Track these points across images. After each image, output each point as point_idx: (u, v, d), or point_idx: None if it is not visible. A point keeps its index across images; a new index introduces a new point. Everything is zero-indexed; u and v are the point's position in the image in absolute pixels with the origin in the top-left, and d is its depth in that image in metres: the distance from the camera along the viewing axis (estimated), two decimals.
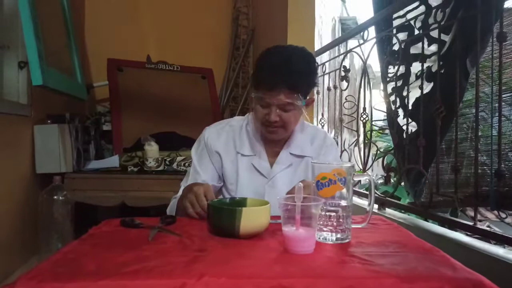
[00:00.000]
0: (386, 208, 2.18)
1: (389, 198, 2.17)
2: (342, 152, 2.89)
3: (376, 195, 2.16)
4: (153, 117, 2.69)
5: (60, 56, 2.10)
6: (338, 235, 0.84)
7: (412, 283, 0.62)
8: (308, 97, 1.19)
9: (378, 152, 2.66)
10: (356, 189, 2.63)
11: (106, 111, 2.89)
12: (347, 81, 2.76)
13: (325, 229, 0.84)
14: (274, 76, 1.11)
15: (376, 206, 2.16)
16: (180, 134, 2.59)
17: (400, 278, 0.63)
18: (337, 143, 2.95)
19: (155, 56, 2.97)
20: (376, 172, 3.97)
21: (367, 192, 2.19)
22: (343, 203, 0.85)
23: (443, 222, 1.73)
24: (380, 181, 3.40)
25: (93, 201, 2.11)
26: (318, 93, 3.34)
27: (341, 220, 0.84)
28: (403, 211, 2.12)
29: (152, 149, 2.15)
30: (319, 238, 0.84)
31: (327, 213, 0.84)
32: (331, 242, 0.83)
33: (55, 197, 1.93)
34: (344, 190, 0.85)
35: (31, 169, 2.15)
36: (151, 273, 0.65)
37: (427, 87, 1.90)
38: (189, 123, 2.58)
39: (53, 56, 1.80)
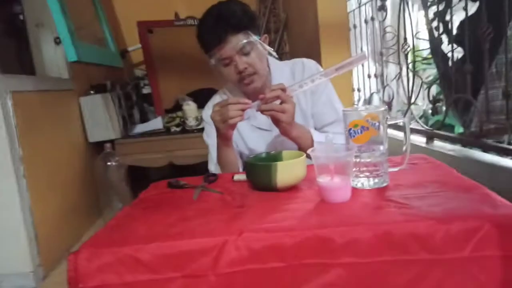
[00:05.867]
0: (435, 141, 2.11)
1: (436, 131, 2.09)
2: (384, 87, 2.78)
3: (423, 128, 2.09)
4: (189, 74, 2.71)
5: (90, 28, 2.15)
6: (376, 180, 0.84)
7: (449, 224, 0.62)
8: (260, 36, 1.19)
9: (424, 83, 2.53)
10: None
11: (143, 74, 2.95)
12: (385, 10, 2.58)
13: (361, 175, 0.84)
14: (214, 30, 1.12)
15: (424, 140, 2.10)
16: (217, 89, 2.61)
17: (437, 220, 0.63)
18: (377, 78, 2.83)
19: (183, 12, 2.93)
20: (423, 103, 3.80)
21: (418, 127, 2.12)
22: (379, 147, 0.84)
23: (496, 151, 1.66)
24: (430, 111, 3.26)
25: (143, 163, 2.24)
26: (355, 27, 3.17)
27: (377, 165, 0.83)
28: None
29: (190, 108, 2.20)
30: (356, 184, 0.84)
31: (363, 160, 0.83)
32: (369, 188, 0.83)
33: (109, 163, 2.06)
34: (379, 135, 0.83)
35: (83, 139, 2.30)
36: (195, 232, 0.69)
37: (472, 7, 1.74)
38: None
39: (83, 29, 1.84)
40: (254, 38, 1.15)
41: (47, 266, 1.84)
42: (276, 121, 1.09)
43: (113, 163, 2.06)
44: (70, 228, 2.06)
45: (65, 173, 2.08)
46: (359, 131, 0.82)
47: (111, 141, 2.23)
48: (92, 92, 2.30)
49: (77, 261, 0.66)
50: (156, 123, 2.49)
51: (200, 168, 2.26)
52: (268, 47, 1.20)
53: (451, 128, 2.63)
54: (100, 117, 2.25)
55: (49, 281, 1.81)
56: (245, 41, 1.13)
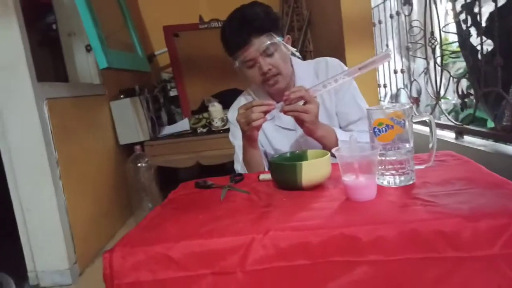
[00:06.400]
0: (465, 136, 2.05)
1: (466, 126, 2.04)
2: (412, 82, 2.73)
3: (452, 123, 2.05)
4: (214, 76, 2.76)
5: (119, 36, 2.22)
6: (402, 178, 0.83)
7: (477, 222, 0.61)
8: (283, 38, 1.19)
9: (453, 77, 2.47)
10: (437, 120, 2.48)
11: (170, 77, 3.02)
12: (411, 4, 2.54)
13: (387, 173, 0.84)
14: (238, 33, 1.14)
15: (453, 135, 2.05)
16: (241, 90, 2.65)
17: (465, 218, 0.62)
18: (404, 73, 2.78)
19: (207, 15, 2.98)
20: (455, 96, 3.70)
21: (447, 122, 2.08)
22: (404, 145, 0.83)
23: None
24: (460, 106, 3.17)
25: (171, 164, 2.30)
26: (380, 22, 3.12)
27: (403, 162, 0.83)
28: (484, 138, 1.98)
29: (216, 109, 2.24)
30: (382, 182, 0.84)
31: (388, 158, 0.83)
32: (395, 186, 0.83)
33: (139, 164, 2.13)
34: (404, 133, 0.83)
35: (114, 142, 2.38)
36: (224, 232, 0.71)
37: None
38: None
39: (113, 37, 1.91)
40: (277, 39, 1.16)
41: (83, 263, 1.92)
42: (300, 122, 1.10)
43: (143, 165, 2.13)
44: (103, 227, 2.14)
45: (97, 175, 2.17)
46: (383, 129, 0.82)
47: (141, 143, 2.30)
48: (122, 96, 2.38)
49: (112, 259, 0.69)
50: (183, 125, 2.54)
51: (226, 168, 2.30)
52: (291, 48, 1.21)
53: (483, 121, 2.55)
54: (129, 120, 2.32)
55: (84, 277, 1.89)
56: (268, 42, 1.14)
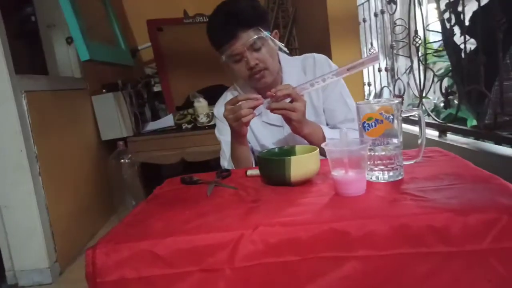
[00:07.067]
0: (448, 134, 2.08)
1: (450, 124, 2.07)
2: (395, 81, 2.76)
3: (436, 121, 2.07)
4: (199, 72, 2.73)
5: (101, 28, 2.17)
6: (391, 173, 0.83)
7: (467, 216, 0.61)
8: (270, 32, 1.18)
9: (436, 75, 2.50)
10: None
11: (154, 72, 2.97)
12: (395, 3, 2.56)
13: (376, 168, 0.84)
14: (225, 26, 1.12)
15: (436, 133, 2.08)
16: (227, 86, 2.62)
17: (454, 212, 0.62)
18: (388, 72, 2.80)
19: (191, 9, 2.94)
20: (436, 97, 3.76)
21: (430, 121, 2.10)
22: (393, 140, 0.83)
23: (510, 143, 1.63)
24: (442, 104, 3.22)
25: (155, 160, 2.26)
26: (364, 20, 3.14)
27: (391, 158, 0.83)
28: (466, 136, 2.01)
29: (201, 105, 2.21)
30: (371, 178, 0.84)
31: (377, 153, 0.83)
32: (383, 181, 0.83)
33: (122, 160, 2.08)
34: (393, 128, 0.82)
35: (96, 137, 2.33)
36: (211, 227, 0.70)
37: None
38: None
39: (95, 29, 1.86)
40: (265, 34, 1.15)
41: (63, 262, 1.87)
42: (287, 120, 1.09)
43: (126, 161, 2.08)
44: (85, 225, 2.09)
45: (79, 171, 2.11)
46: (373, 124, 0.82)
47: (124, 139, 2.26)
48: (104, 91, 2.33)
49: (95, 256, 0.67)
50: (167, 121, 2.51)
51: (211, 164, 2.28)
52: (278, 43, 1.20)
53: (463, 121, 2.60)
54: (112, 116, 2.27)
55: (65, 276, 1.84)
56: (255, 37, 1.13)
